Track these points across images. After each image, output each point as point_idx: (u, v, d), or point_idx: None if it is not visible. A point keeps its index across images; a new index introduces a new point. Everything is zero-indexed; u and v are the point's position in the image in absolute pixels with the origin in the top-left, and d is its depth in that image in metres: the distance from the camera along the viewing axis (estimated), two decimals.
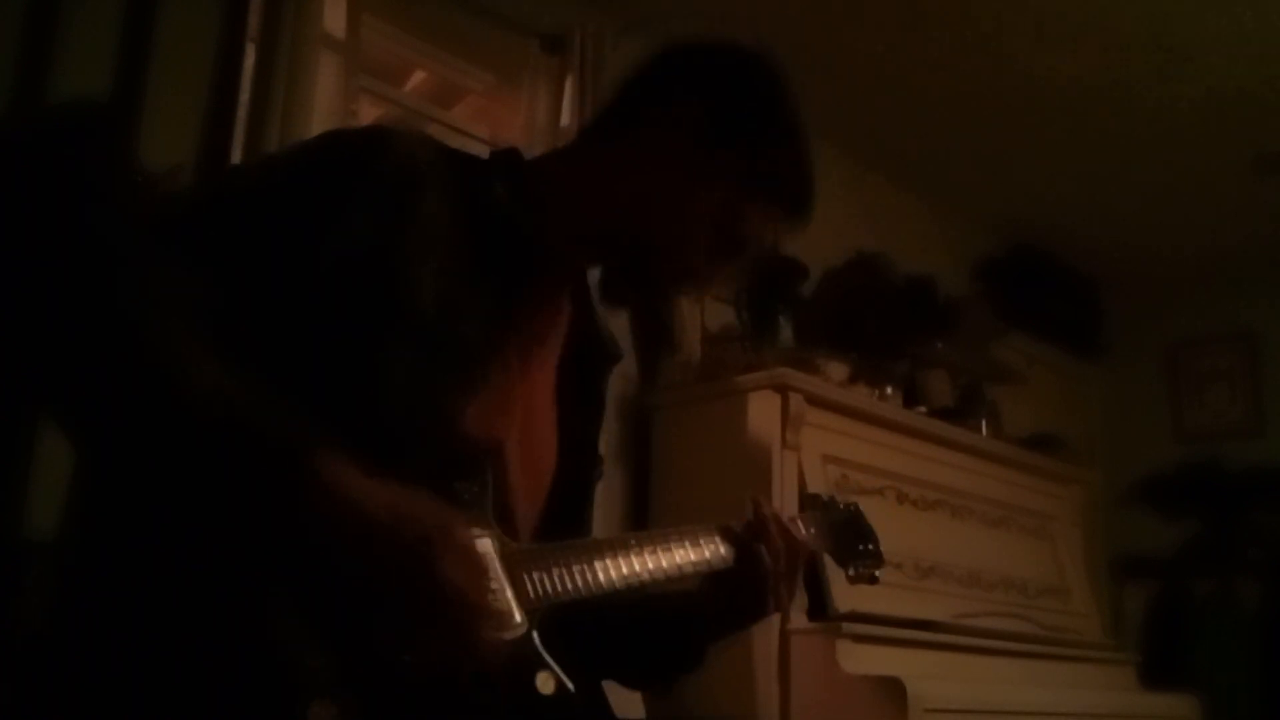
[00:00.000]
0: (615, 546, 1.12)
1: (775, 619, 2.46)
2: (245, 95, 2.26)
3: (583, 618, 1.06)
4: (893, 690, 2.28)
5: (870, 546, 1.50)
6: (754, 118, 1.13)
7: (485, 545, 0.96)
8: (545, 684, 0.93)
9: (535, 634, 0.96)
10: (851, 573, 1.48)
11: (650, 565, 1.13)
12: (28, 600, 0.87)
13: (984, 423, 3.35)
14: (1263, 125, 3.44)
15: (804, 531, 1.38)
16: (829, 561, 2.56)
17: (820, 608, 2.52)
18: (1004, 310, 3.93)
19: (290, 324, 0.93)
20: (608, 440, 2.81)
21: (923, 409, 3.13)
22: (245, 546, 0.83)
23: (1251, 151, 3.56)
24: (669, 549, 1.16)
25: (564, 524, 1.17)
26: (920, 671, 2.42)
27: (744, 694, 2.48)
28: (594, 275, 1.21)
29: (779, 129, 1.15)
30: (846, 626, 2.44)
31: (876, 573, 1.49)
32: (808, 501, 1.54)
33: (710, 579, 1.23)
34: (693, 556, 1.19)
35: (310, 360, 0.93)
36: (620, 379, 2.96)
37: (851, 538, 1.49)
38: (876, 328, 3.21)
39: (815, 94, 3.70)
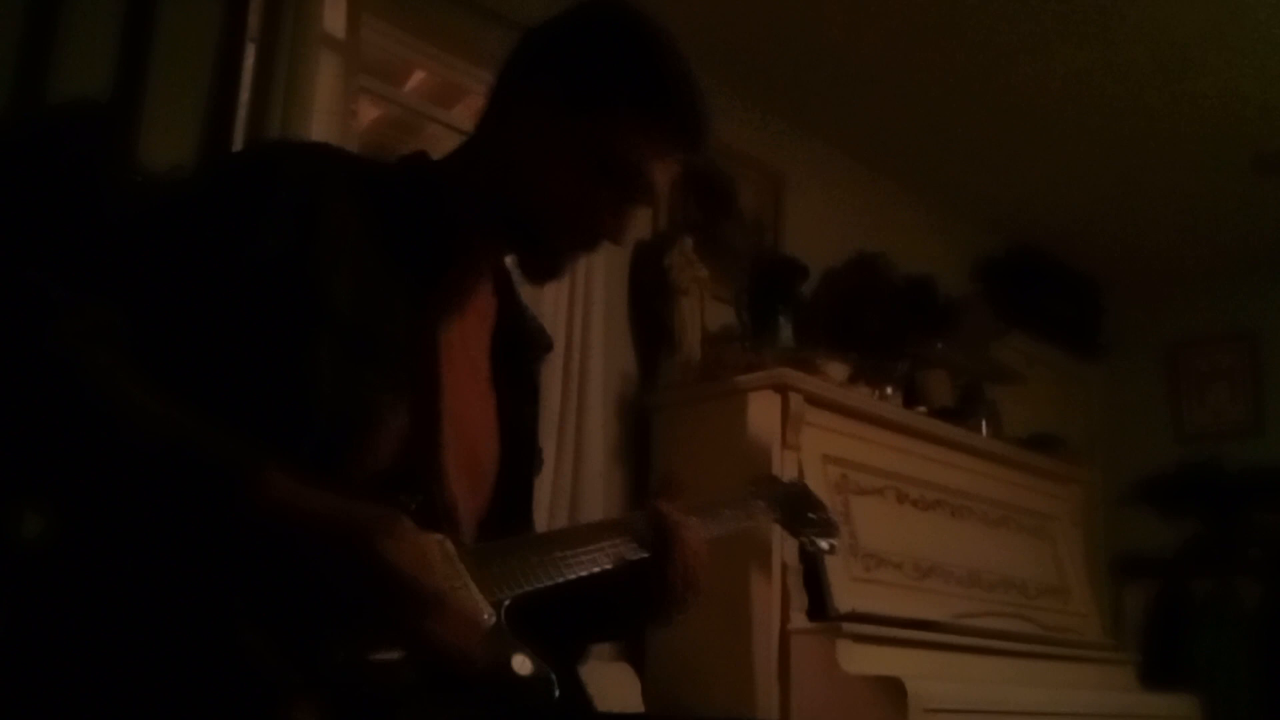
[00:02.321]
0: (568, 539, 1.14)
1: (775, 619, 2.48)
2: (245, 95, 2.26)
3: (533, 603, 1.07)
4: (893, 690, 2.28)
5: (821, 515, 1.52)
6: (602, 56, 1.13)
7: (448, 546, 0.98)
8: (522, 666, 0.95)
9: (503, 622, 0.98)
10: (804, 540, 1.51)
11: (599, 557, 1.14)
12: (10, 605, 0.88)
13: (984, 423, 3.35)
14: (1263, 125, 3.44)
15: (749, 507, 1.41)
16: (829, 561, 2.56)
17: (820, 608, 2.52)
18: (1004, 310, 3.93)
19: (216, 342, 0.96)
20: (607, 440, 2.84)
21: (923, 409, 3.13)
22: (209, 560, 0.84)
23: (1251, 151, 3.56)
24: (614, 541, 1.17)
25: (508, 517, 1.19)
26: (920, 671, 2.42)
27: (744, 694, 2.49)
28: (513, 263, 1.22)
29: (630, 60, 1.13)
30: (846, 626, 2.45)
31: (832, 542, 1.51)
32: (755, 480, 1.56)
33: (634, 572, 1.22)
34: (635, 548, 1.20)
35: (237, 377, 0.95)
36: (620, 379, 2.96)
37: (800, 508, 1.51)
38: (876, 328, 3.21)
39: (816, 94, 3.71)
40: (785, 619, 2.51)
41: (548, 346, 1.35)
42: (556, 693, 0.97)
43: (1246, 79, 3.21)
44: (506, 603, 1.00)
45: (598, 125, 1.11)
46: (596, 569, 1.12)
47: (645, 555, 1.17)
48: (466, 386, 1.16)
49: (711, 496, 1.36)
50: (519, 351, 1.27)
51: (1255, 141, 3.52)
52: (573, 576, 1.09)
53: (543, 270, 1.18)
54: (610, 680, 2.45)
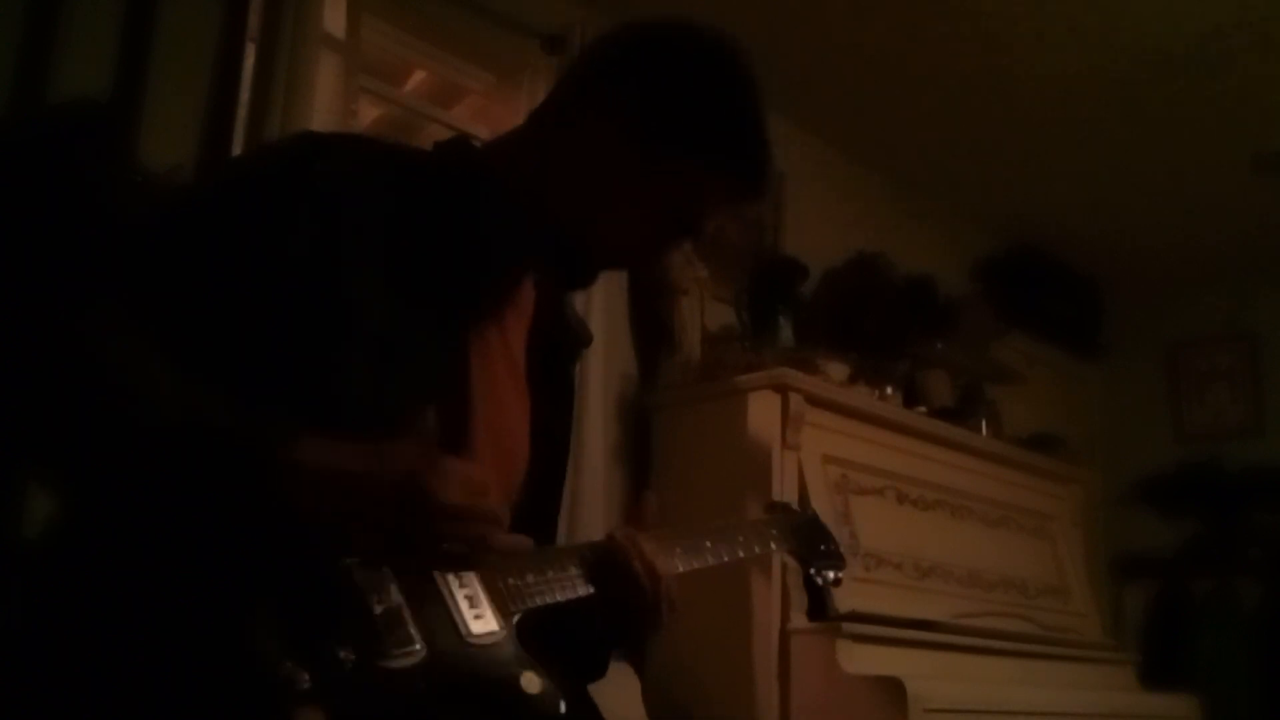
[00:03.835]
0: (583, 553, 1.12)
1: (775, 619, 2.48)
2: (245, 95, 2.26)
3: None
4: (893, 690, 2.28)
5: (830, 547, 1.54)
6: (692, 100, 1.11)
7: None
8: (530, 684, 0.95)
9: (514, 637, 0.98)
10: (813, 572, 1.53)
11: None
12: (15, 603, 0.87)
13: (984, 423, 3.35)
14: (1262, 125, 3.44)
15: (751, 537, 1.40)
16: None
17: (820, 608, 2.52)
18: (1004, 310, 3.93)
19: (244, 339, 0.94)
20: (607, 440, 2.84)
21: (923, 409, 3.13)
22: (226, 553, 0.84)
23: (1251, 151, 3.56)
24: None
25: (534, 519, 1.17)
26: (920, 671, 2.42)
27: (744, 694, 2.49)
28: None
29: (718, 110, 1.12)
30: (846, 626, 2.45)
31: (839, 574, 1.53)
32: (769, 508, 1.58)
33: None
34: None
35: (265, 375, 0.94)
36: (620, 379, 2.96)
37: (813, 540, 1.53)
38: (876, 328, 3.21)
39: (816, 94, 3.70)
40: (785, 619, 2.51)
41: (586, 341, 1.32)
42: (563, 710, 0.96)
43: (1246, 79, 3.21)
44: (518, 617, 0.99)
45: (677, 173, 1.09)
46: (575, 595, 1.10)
47: (590, 590, 1.11)
48: (504, 387, 1.14)
49: (723, 522, 1.36)
50: (556, 349, 1.25)
51: (1255, 141, 3.52)
52: (583, 595, 1.08)
53: (573, 282, 1.18)
54: (609, 680, 2.44)
